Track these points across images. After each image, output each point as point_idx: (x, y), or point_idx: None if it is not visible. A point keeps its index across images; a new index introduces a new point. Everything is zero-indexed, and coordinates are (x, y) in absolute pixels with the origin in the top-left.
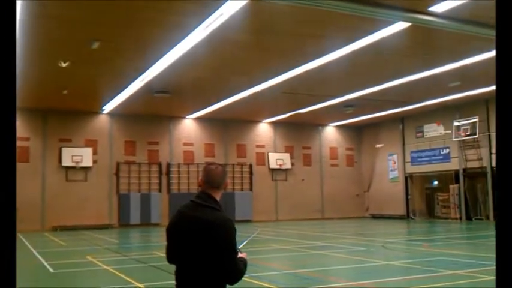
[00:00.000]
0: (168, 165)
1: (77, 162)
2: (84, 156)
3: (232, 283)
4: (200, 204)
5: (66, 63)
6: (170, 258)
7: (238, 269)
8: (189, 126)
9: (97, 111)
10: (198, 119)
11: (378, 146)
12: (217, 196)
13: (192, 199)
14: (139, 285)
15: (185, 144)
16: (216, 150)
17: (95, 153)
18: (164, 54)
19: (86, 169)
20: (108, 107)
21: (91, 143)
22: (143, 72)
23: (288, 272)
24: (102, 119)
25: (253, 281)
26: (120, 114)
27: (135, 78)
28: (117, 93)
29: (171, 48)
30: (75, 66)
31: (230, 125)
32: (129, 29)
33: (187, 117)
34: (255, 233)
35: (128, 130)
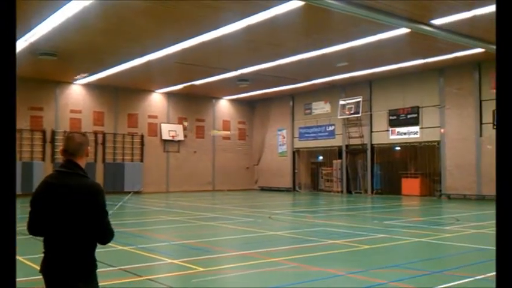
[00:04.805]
0: (53, 133)
1: None
2: None
3: (106, 243)
4: (67, 173)
5: None
6: (35, 230)
7: (111, 229)
8: (77, 93)
9: None
10: (87, 85)
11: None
12: (82, 163)
13: (56, 169)
14: (19, 258)
15: (72, 111)
16: (106, 118)
17: None
18: (50, 15)
19: None
20: None
21: None
22: (27, 32)
23: (177, 243)
24: None
25: (140, 252)
26: None
27: (17, 38)
28: None
29: (58, 8)
30: None
31: (121, 93)
32: None
33: (75, 82)
34: (125, 198)
35: None
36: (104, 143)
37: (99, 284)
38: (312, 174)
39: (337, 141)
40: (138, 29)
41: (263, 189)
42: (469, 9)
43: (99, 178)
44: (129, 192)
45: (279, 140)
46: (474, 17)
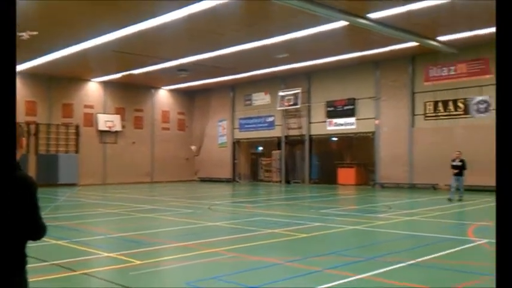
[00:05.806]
0: None
1: None
2: None
3: (38, 238)
4: None
5: None
6: None
7: (44, 224)
8: None
9: None
10: (19, 73)
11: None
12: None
13: None
14: None
15: None
16: (39, 108)
17: None
18: None
19: None
20: None
21: None
22: None
23: (113, 236)
24: None
25: (75, 246)
26: None
27: None
28: None
29: None
30: None
31: (56, 82)
32: None
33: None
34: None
35: None
36: (36, 134)
37: (30, 279)
38: (251, 164)
39: (277, 132)
40: (72, 15)
41: (203, 180)
42: (404, 4)
43: (31, 170)
44: (66, 185)
45: (220, 131)
46: (409, 12)
